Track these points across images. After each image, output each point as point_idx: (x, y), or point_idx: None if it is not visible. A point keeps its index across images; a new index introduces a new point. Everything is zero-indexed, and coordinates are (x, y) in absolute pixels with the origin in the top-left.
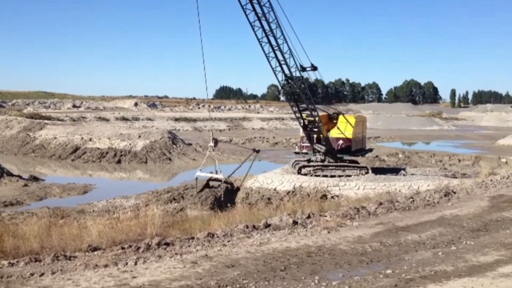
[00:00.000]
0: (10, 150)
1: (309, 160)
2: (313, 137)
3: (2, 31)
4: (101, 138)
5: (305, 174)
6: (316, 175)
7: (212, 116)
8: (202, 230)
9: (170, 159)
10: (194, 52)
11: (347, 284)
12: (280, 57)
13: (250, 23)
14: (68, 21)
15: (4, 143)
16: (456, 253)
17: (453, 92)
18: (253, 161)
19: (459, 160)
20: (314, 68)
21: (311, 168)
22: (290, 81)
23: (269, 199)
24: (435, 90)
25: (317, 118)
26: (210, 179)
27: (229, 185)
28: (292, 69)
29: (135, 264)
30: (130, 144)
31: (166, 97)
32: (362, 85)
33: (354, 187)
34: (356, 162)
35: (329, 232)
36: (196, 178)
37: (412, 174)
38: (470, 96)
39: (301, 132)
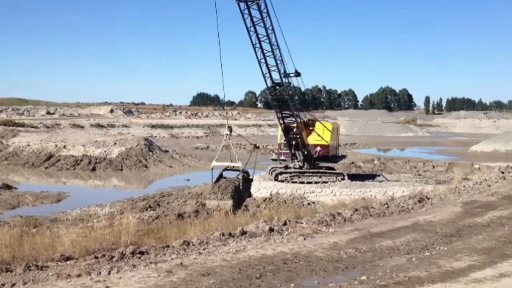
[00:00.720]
0: None
1: (286, 167)
2: (292, 144)
3: None
4: (75, 145)
5: (282, 181)
6: (293, 182)
7: (189, 123)
8: (178, 238)
9: (146, 166)
10: (171, 58)
11: None
12: (273, 63)
13: (247, 28)
14: (42, 26)
15: None
16: (429, 259)
17: (427, 99)
18: (256, 157)
19: (433, 166)
20: (297, 74)
21: (288, 175)
22: (278, 87)
23: (245, 206)
24: (410, 97)
25: (299, 125)
26: (227, 168)
27: (245, 174)
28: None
29: (109, 273)
30: (105, 151)
31: (143, 103)
32: (339, 92)
33: (331, 193)
34: (333, 168)
35: (305, 239)
36: (212, 169)
37: (388, 180)
38: (444, 103)
39: (279, 139)
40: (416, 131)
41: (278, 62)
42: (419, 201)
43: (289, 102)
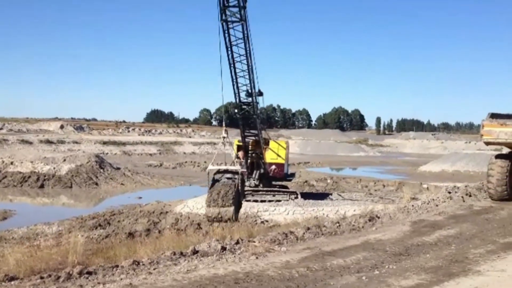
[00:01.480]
0: None
1: None
2: (248, 162)
3: None
4: (23, 161)
5: None
6: (246, 200)
7: (143, 140)
8: (128, 257)
9: (96, 184)
10: (123, 73)
11: None
12: (247, 82)
13: (226, 47)
14: None
15: None
16: (379, 277)
17: (378, 120)
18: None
19: (384, 186)
20: (260, 94)
21: None
22: (247, 106)
23: (198, 224)
24: (362, 117)
25: (262, 144)
26: (224, 171)
27: (243, 177)
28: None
29: None
30: (54, 168)
31: (95, 119)
32: (293, 111)
33: (284, 212)
34: (286, 187)
35: (257, 257)
36: (208, 173)
37: (344, 199)
38: (394, 124)
39: (234, 157)
40: (367, 151)
41: (252, 82)
42: (369, 220)
43: (256, 121)
